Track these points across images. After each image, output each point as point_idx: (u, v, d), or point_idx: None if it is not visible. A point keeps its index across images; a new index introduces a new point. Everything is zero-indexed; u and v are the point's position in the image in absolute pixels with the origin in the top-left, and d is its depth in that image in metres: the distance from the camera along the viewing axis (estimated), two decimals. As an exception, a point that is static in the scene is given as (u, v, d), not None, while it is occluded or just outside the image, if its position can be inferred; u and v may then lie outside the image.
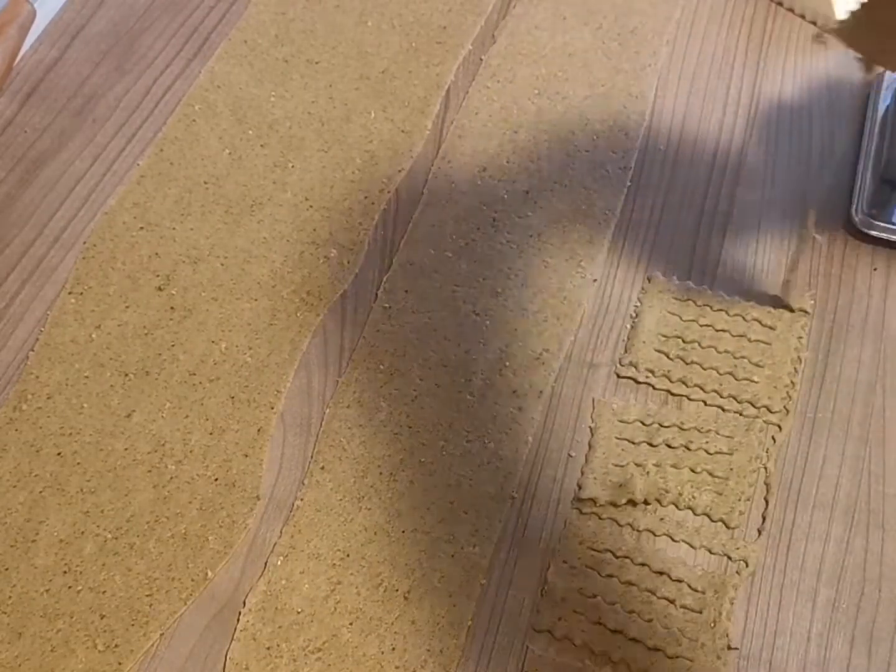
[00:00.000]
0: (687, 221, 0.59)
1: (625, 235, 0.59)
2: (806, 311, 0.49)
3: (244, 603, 0.47)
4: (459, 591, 0.47)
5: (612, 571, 0.48)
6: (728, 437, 0.51)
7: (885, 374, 0.54)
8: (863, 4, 0.46)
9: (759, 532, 0.49)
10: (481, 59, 0.66)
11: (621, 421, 0.52)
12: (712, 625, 0.46)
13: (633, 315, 0.56)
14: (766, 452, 0.51)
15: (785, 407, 0.52)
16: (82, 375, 0.53)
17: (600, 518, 0.49)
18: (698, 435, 0.51)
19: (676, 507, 0.49)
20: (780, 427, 0.52)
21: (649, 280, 0.57)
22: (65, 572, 0.48)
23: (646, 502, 0.49)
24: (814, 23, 0.68)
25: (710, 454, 0.51)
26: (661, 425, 0.51)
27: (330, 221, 0.59)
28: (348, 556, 0.48)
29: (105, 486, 0.50)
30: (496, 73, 0.65)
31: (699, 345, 0.54)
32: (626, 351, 0.54)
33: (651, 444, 0.51)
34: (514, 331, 0.55)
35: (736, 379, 0.53)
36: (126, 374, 0.53)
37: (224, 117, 0.63)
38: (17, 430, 0.52)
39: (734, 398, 0.52)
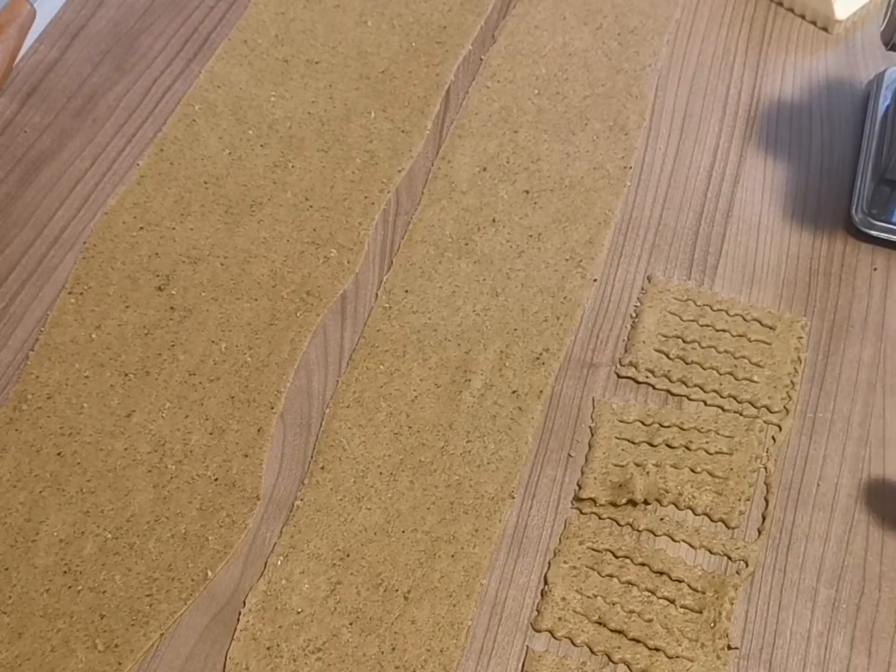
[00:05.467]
0: (687, 221, 0.59)
1: (625, 235, 0.59)
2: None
3: (244, 603, 0.47)
4: (459, 591, 0.47)
5: (612, 571, 0.48)
6: (728, 437, 0.51)
7: (885, 374, 0.54)
8: None
9: (759, 532, 0.49)
10: (481, 59, 0.66)
11: (621, 421, 0.52)
12: (712, 625, 0.46)
13: (633, 315, 0.56)
14: (766, 452, 0.51)
15: (785, 407, 0.52)
16: (82, 375, 0.53)
17: (600, 518, 0.49)
18: (698, 435, 0.51)
19: (676, 507, 0.49)
20: (780, 427, 0.52)
21: (649, 280, 0.57)
22: (65, 572, 0.48)
23: (646, 502, 0.49)
24: (814, 23, 0.68)
25: (710, 454, 0.51)
26: (661, 425, 0.51)
27: (330, 221, 0.59)
28: (348, 556, 0.48)
29: (105, 486, 0.50)
30: (496, 73, 0.65)
31: (699, 345, 0.54)
32: (626, 351, 0.54)
33: (651, 444, 0.51)
34: (514, 331, 0.55)
35: (736, 379, 0.53)
36: (126, 374, 0.53)
37: (224, 117, 0.63)
38: (17, 430, 0.52)
39: (734, 398, 0.52)
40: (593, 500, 0.49)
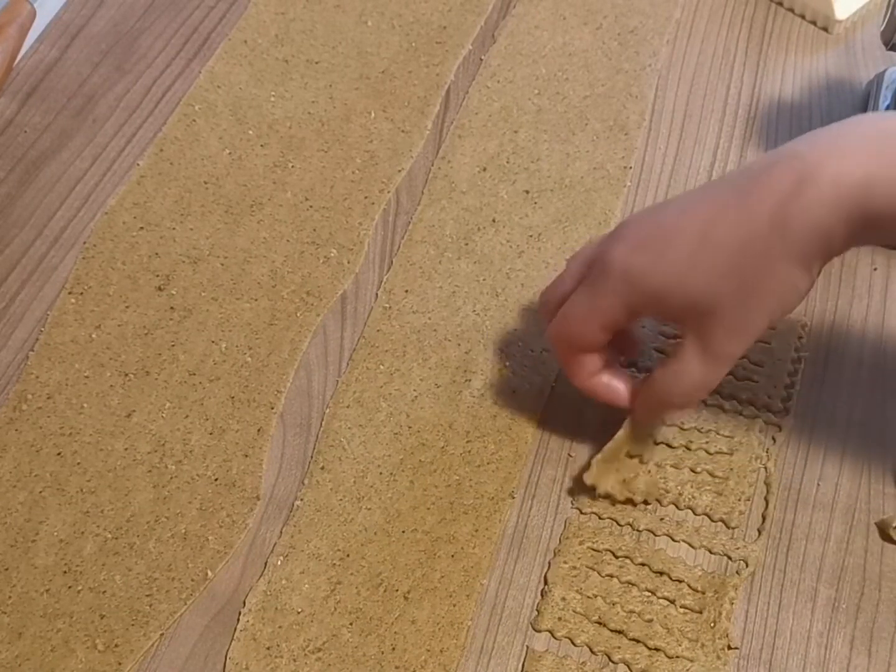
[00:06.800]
0: (687, 221, 0.59)
1: (625, 235, 0.59)
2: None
3: (244, 603, 0.47)
4: (459, 591, 0.47)
5: (612, 571, 0.48)
6: (728, 437, 0.51)
7: (885, 373, 0.54)
8: None
9: (759, 532, 0.49)
10: (481, 59, 0.66)
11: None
12: (712, 625, 0.46)
13: (633, 315, 0.56)
14: (766, 452, 0.51)
15: (785, 407, 0.52)
16: (82, 375, 0.53)
17: (600, 518, 0.49)
18: (698, 435, 0.51)
19: (676, 507, 0.49)
20: (780, 427, 0.52)
21: (649, 280, 0.57)
22: (65, 572, 0.48)
23: (645, 502, 0.49)
24: (814, 23, 0.68)
25: (710, 454, 0.51)
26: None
27: (330, 221, 0.59)
28: (348, 556, 0.48)
29: (105, 486, 0.50)
30: (496, 73, 0.65)
31: (699, 345, 0.54)
32: (626, 351, 0.54)
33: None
34: (514, 331, 0.55)
35: (736, 379, 0.53)
36: (126, 374, 0.53)
37: (224, 117, 0.63)
38: (17, 430, 0.52)
39: (734, 398, 0.52)
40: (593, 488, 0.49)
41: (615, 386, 0.47)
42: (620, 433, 0.48)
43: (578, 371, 0.46)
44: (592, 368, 0.46)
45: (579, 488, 0.50)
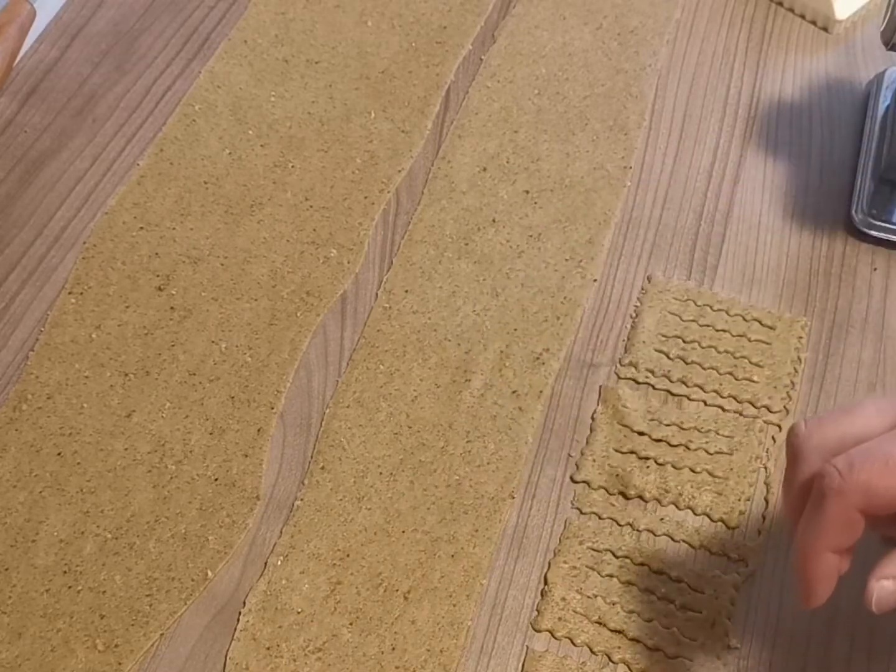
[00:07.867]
0: (687, 221, 0.59)
1: (625, 235, 0.59)
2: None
3: (244, 603, 0.47)
4: (459, 591, 0.47)
5: (612, 571, 0.48)
6: (728, 437, 0.51)
7: (885, 374, 0.54)
8: None
9: (759, 532, 0.49)
10: (481, 59, 0.66)
11: (625, 407, 0.52)
12: (712, 625, 0.46)
13: (633, 315, 0.56)
14: (766, 452, 0.51)
15: (785, 407, 0.52)
16: (82, 375, 0.53)
17: (600, 518, 0.49)
18: (698, 435, 0.51)
19: (676, 507, 0.49)
20: (780, 427, 0.52)
21: (649, 280, 0.57)
22: (65, 572, 0.48)
23: (642, 498, 0.49)
24: (814, 23, 0.68)
25: (710, 454, 0.51)
26: (661, 423, 0.51)
27: (330, 221, 0.59)
28: (348, 556, 0.48)
29: (105, 486, 0.50)
30: (496, 73, 0.65)
31: (699, 345, 0.54)
32: (626, 351, 0.54)
33: (652, 438, 0.51)
34: (514, 331, 0.55)
35: (736, 379, 0.53)
36: (126, 374, 0.53)
37: (224, 117, 0.63)
38: (17, 430, 0.52)
39: (734, 398, 0.52)
40: (587, 483, 0.49)
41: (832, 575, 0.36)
42: None
43: (828, 534, 0.36)
44: (845, 541, 0.36)
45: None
